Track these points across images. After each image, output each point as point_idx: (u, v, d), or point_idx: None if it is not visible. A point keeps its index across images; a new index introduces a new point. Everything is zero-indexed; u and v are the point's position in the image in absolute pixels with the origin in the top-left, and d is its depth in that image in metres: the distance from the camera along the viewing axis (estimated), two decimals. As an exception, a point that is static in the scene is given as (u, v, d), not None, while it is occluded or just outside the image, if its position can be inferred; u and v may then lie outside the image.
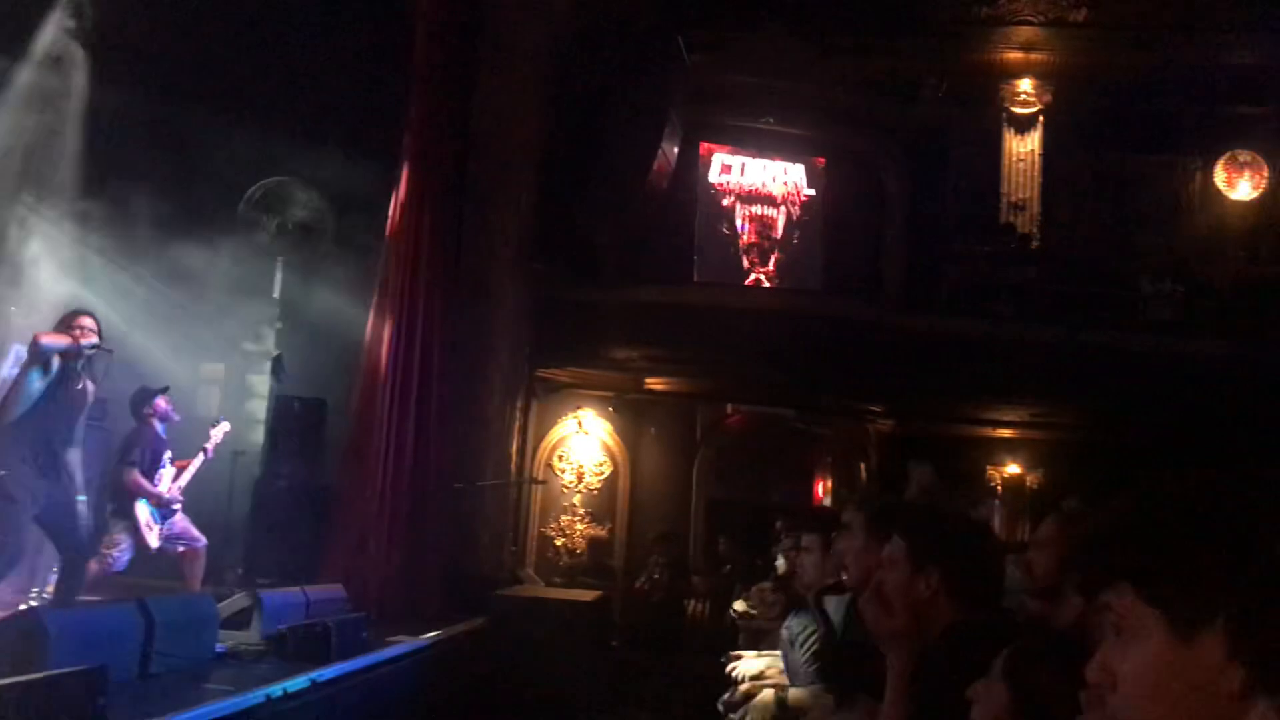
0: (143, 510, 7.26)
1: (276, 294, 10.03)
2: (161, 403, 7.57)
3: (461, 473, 9.35)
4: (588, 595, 8.93)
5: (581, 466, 11.70)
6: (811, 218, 12.31)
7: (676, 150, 10.98)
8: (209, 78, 9.90)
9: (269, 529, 8.66)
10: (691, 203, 12.02)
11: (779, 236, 12.27)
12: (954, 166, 12.91)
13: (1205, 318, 11.80)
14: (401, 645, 6.85)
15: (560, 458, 11.74)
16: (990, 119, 13.36)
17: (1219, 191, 13.64)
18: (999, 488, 12.78)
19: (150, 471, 7.36)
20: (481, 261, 9.87)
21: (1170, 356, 10.98)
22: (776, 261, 12.22)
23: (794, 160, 12.27)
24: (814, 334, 10.98)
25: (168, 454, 7.52)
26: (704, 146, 12.11)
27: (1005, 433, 12.84)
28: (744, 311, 11.23)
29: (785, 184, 12.29)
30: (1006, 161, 13.29)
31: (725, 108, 12.02)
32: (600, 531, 11.58)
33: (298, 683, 5.13)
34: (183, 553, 7.58)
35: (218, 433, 7.81)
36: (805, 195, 12.33)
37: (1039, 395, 11.54)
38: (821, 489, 12.65)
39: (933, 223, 12.32)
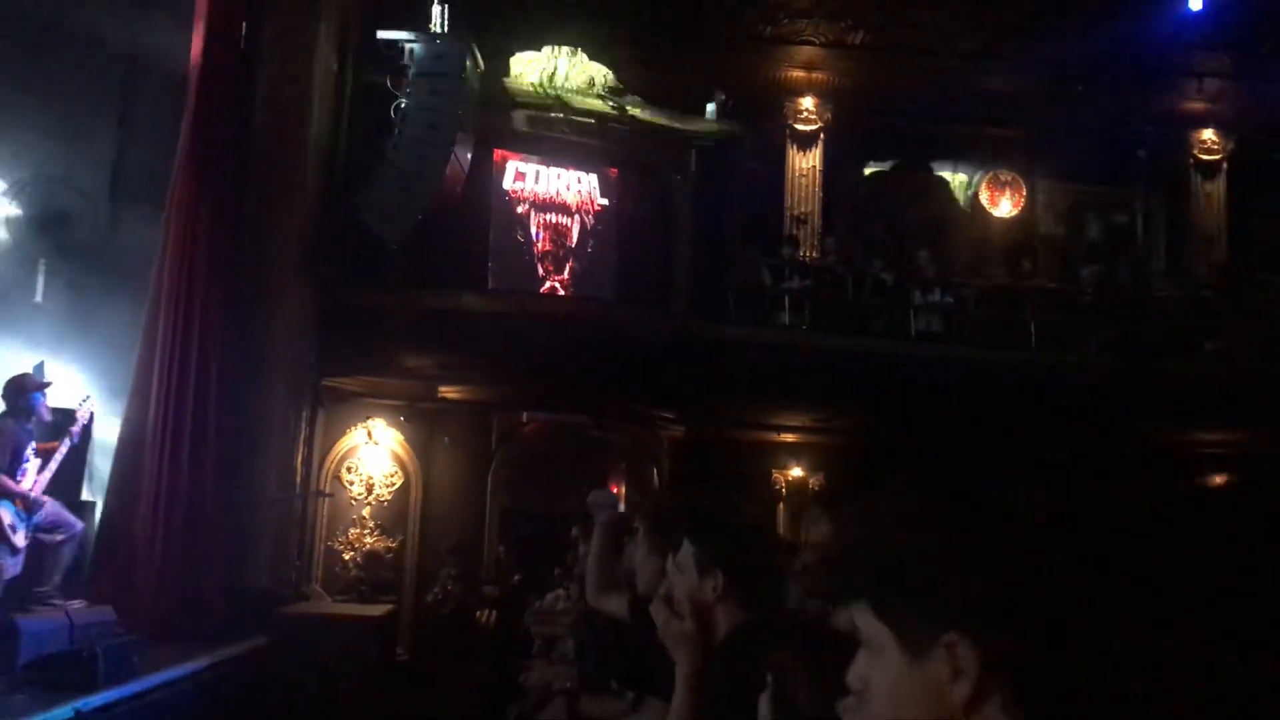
0: (5, 512, 6.78)
1: (39, 298, 9.35)
2: (41, 399, 7.16)
3: (242, 485, 8.98)
4: (376, 610, 8.76)
5: (371, 478, 11.42)
6: (605, 227, 12.42)
7: (469, 155, 10.87)
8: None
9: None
10: (485, 209, 11.93)
11: (573, 245, 12.33)
12: (741, 179, 13.31)
13: (970, 327, 12.60)
14: (176, 669, 6.52)
15: (349, 469, 11.43)
16: (775, 134, 13.86)
17: (983, 208, 14.59)
18: (783, 490, 13.26)
19: (12, 469, 6.89)
20: (263, 264, 9.51)
21: (938, 363, 11.68)
22: (571, 270, 12.26)
23: (587, 170, 12.36)
24: (606, 341, 11.10)
25: (31, 446, 7.06)
26: (498, 153, 12.04)
27: (789, 437, 13.34)
28: (537, 318, 11.22)
29: (579, 193, 12.36)
30: (790, 176, 13.84)
31: (519, 115, 11.99)
32: (390, 544, 11.32)
33: (60, 714, 4.81)
34: (61, 541, 7.13)
35: (83, 413, 7.38)
36: (599, 205, 12.43)
37: (818, 401, 12.06)
38: (617, 494, 12.77)
39: (718, 234, 12.67)
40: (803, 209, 13.74)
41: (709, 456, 12.55)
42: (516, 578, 10.22)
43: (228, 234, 9.01)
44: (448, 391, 11.54)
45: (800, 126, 13.99)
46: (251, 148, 9.46)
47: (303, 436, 10.44)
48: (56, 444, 7.29)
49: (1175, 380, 11.71)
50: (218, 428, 8.71)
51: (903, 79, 13.35)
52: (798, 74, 13.67)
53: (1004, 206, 14.61)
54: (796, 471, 13.28)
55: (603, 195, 12.49)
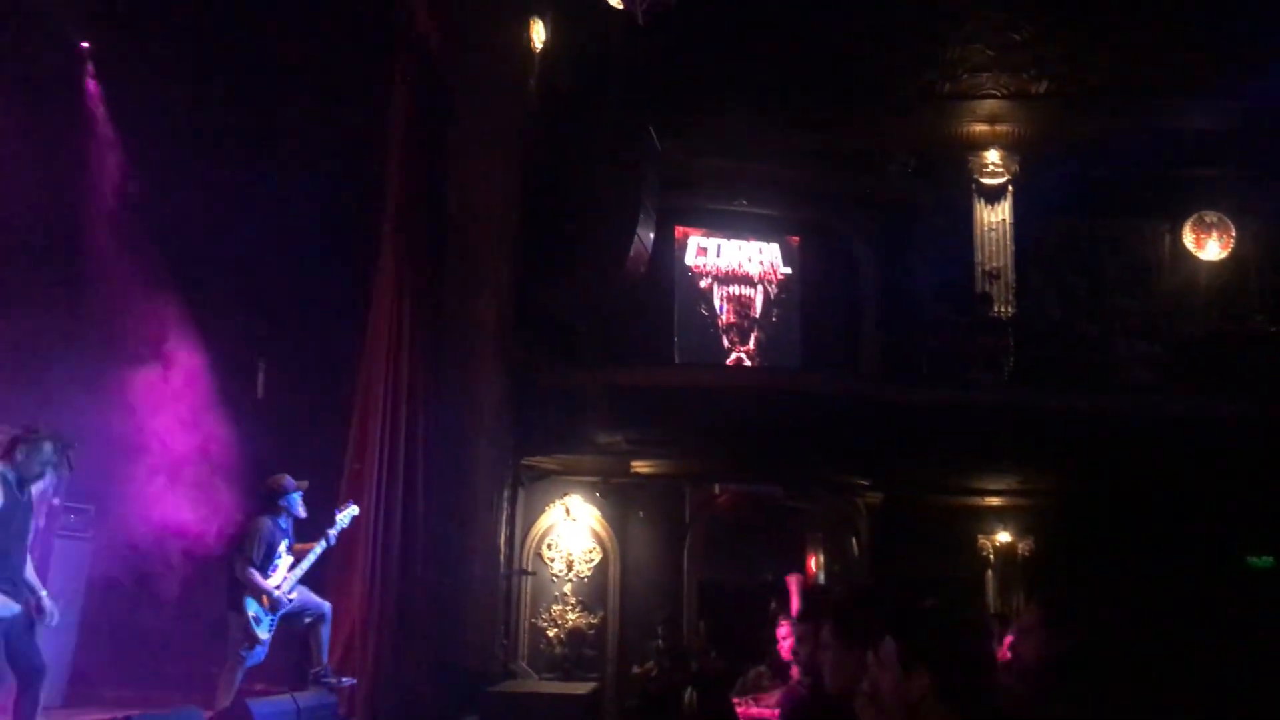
0: (252, 605, 7.13)
1: (260, 395, 10.00)
2: (298, 500, 7.51)
3: (449, 566, 9.27)
4: (582, 688, 8.83)
5: (571, 554, 11.59)
6: (789, 295, 12.43)
7: (652, 235, 11.09)
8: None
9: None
10: (669, 285, 12.12)
11: (757, 315, 12.37)
12: (926, 238, 13.08)
13: (1182, 376, 11.90)
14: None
15: (549, 546, 11.63)
16: (960, 190, 13.57)
17: (1188, 252, 13.84)
18: (990, 556, 12.73)
19: (264, 564, 7.23)
20: (462, 351, 9.89)
21: (1148, 417, 11.06)
22: (756, 340, 12.29)
23: (769, 240, 12.42)
24: (796, 410, 11.00)
25: (284, 544, 7.39)
26: (679, 230, 12.25)
27: (994, 500, 12.83)
28: (726, 391, 11.25)
29: (761, 263, 12.42)
30: (978, 231, 13.47)
31: (698, 191, 12.18)
32: (592, 620, 11.43)
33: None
34: (309, 624, 7.48)
35: (344, 518, 7.68)
36: (782, 274, 12.45)
37: (1022, 462, 11.58)
38: (814, 564, 12.56)
39: (907, 295, 12.45)
40: (994, 264, 13.33)
41: (909, 523, 12.18)
42: (713, 654, 10.12)
43: (428, 326, 9.44)
44: (640, 466, 11.64)
45: (987, 180, 13.64)
46: (447, 241, 9.89)
47: (504, 516, 10.72)
48: (311, 545, 7.58)
49: None
50: (426, 512, 9.07)
51: (1092, 124, 12.88)
52: (980, 128, 13.37)
53: (1211, 249, 13.81)
54: (1004, 536, 12.72)
55: (785, 264, 12.51)
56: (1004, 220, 13.50)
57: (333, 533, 7.63)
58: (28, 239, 9.33)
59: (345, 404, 9.23)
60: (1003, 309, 12.99)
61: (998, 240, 13.46)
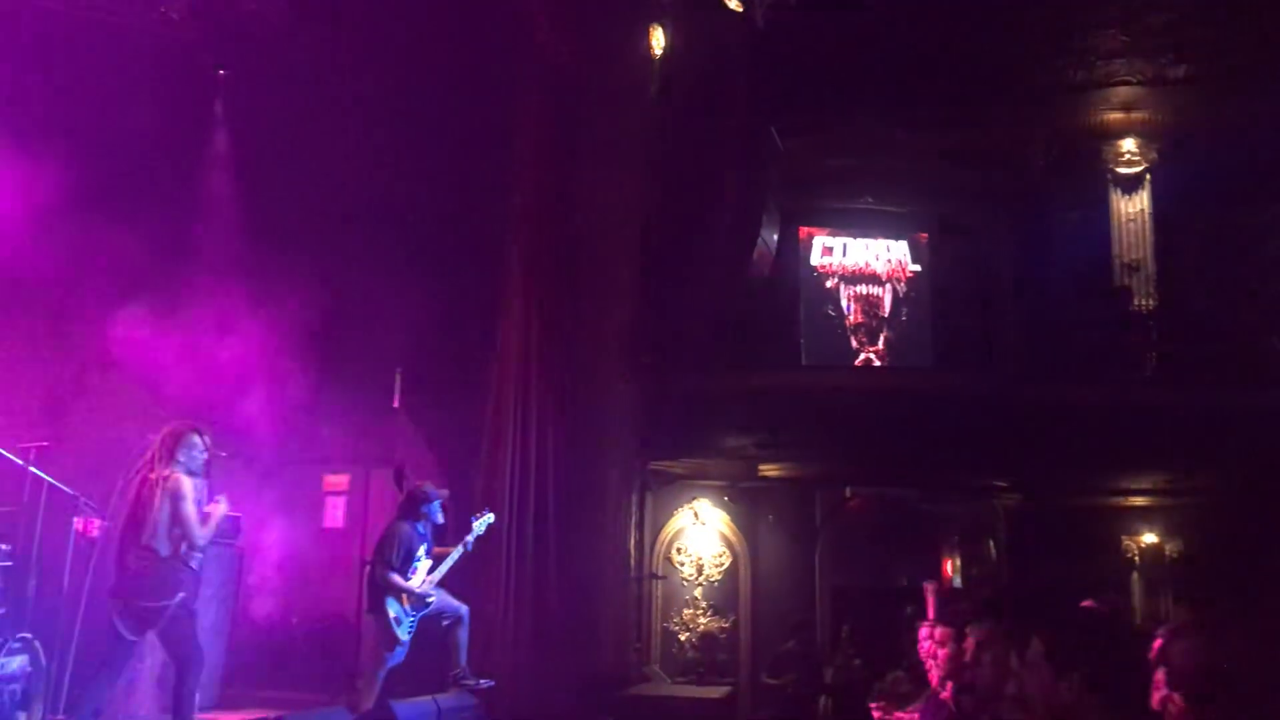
0: (392, 607, 7.31)
1: (397, 404, 10.27)
2: (439, 507, 7.70)
3: (581, 571, 9.36)
4: (716, 692, 8.82)
5: (701, 558, 11.60)
6: (919, 293, 12.20)
7: (776, 237, 11.02)
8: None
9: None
10: (794, 287, 12.03)
11: (886, 314, 12.18)
12: (1061, 231, 12.70)
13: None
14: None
15: (678, 550, 11.66)
16: (1095, 181, 13.13)
17: (1343, 239, 13.12)
18: (1136, 558, 12.28)
19: (403, 568, 7.40)
20: (591, 357, 9.98)
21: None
22: (886, 340, 12.10)
23: (896, 237, 12.22)
24: (928, 411, 10.79)
25: (423, 548, 7.55)
26: (803, 230, 12.15)
27: (1139, 501, 12.37)
28: (855, 393, 11.11)
29: (889, 261, 12.22)
30: (1116, 223, 13.01)
31: (823, 191, 12.06)
32: (724, 624, 11.41)
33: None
34: (447, 626, 7.64)
35: (480, 525, 7.83)
36: (911, 271, 12.24)
37: (1169, 462, 11.12)
38: (950, 568, 12.31)
39: (1043, 291, 12.09)
40: (1133, 256, 12.86)
41: (1049, 525, 11.81)
42: (856, 660, 9.99)
43: (557, 333, 9.57)
44: (769, 470, 11.58)
45: (1123, 170, 13.17)
46: (574, 249, 10.01)
47: (634, 520, 10.79)
48: (450, 549, 7.70)
49: None
50: (557, 517, 9.19)
51: (1234, 108, 12.33)
52: (1116, 116, 12.92)
53: (1369, 234, 13.05)
54: (1150, 537, 12.25)
55: (914, 261, 12.30)
56: (1143, 210, 13.02)
57: (470, 539, 7.77)
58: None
59: (478, 412, 9.41)
60: (1144, 302, 12.51)
61: (1136, 231, 12.98)
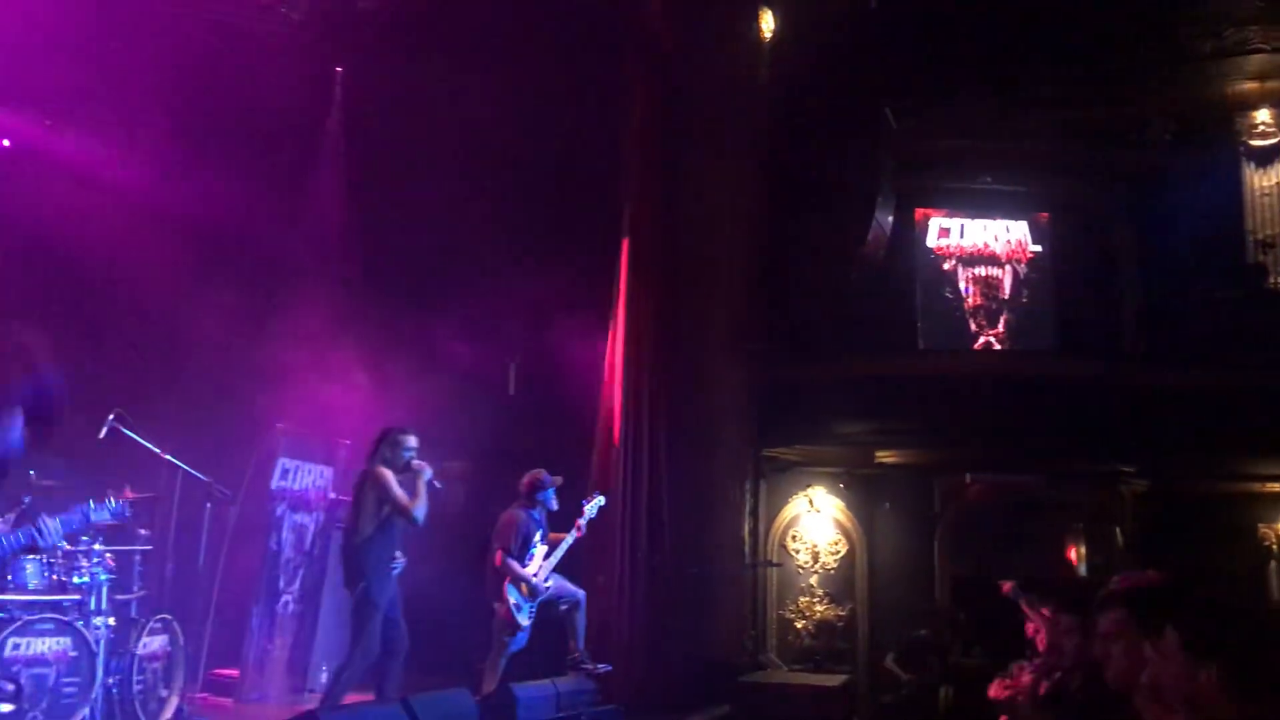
0: (512, 593, 7.49)
1: (512, 393, 10.43)
2: (553, 494, 7.88)
3: (695, 558, 9.38)
4: (833, 679, 8.75)
5: (816, 546, 11.50)
6: (1039, 274, 11.87)
7: (890, 219, 10.85)
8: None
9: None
10: (910, 270, 11.82)
11: (1006, 296, 11.88)
12: (1188, 208, 12.20)
13: None
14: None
15: (794, 538, 11.58)
16: (1226, 154, 12.57)
17: None
18: (1274, 546, 11.75)
19: (521, 554, 7.58)
20: (701, 343, 9.98)
21: None
22: (1005, 322, 11.81)
23: (1016, 217, 11.90)
24: (1051, 395, 10.52)
25: (539, 534, 7.72)
26: (919, 212, 11.91)
27: (1277, 486, 11.83)
28: (974, 376, 10.90)
29: (1008, 242, 11.91)
30: (1248, 198, 12.43)
31: (938, 171, 11.82)
32: (840, 612, 11.31)
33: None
34: (565, 611, 7.83)
35: (591, 508, 7.97)
36: (1031, 252, 11.91)
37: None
38: (1075, 556, 11.96)
39: (1170, 270, 11.65)
40: (1267, 232, 12.27)
41: (1179, 512, 11.39)
42: (977, 648, 9.79)
43: (667, 319, 9.58)
44: (885, 456, 11.41)
45: (1256, 142, 12.57)
46: (682, 239, 10.00)
47: (748, 508, 10.76)
48: (564, 535, 7.84)
49: None
50: (671, 504, 9.22)
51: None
52: (1248, 86, 12.33)
53: None
54: (1289, 525, 11.72)
55: (1035, 241, 11.97)
56: (1278, 184, 12.42)
57: (582, 523, 7.88)
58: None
59: (590, 399, 9.49)
60: (1279, 280, 11.95)
61: (1271, 206, 12.38)
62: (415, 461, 6.76)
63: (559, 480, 7.95)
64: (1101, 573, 11.25)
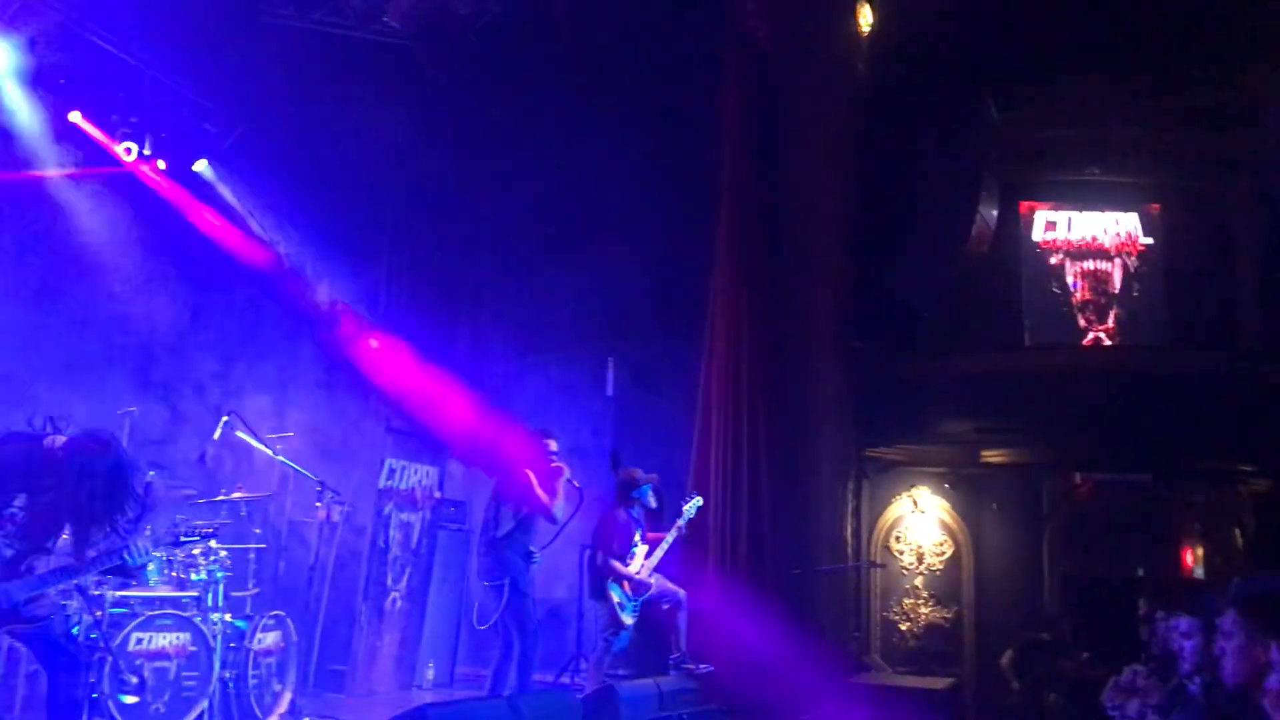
0: (614, 593, 7.55)
1: (610, 392, 10.47)
2: (649, 491, 7.95)
3: (796, 557, 9.29)
4: (940, 682, 8.59)
5: (921, 547, 11.33)
6: (1151, 268, 11.50)
7: (995, 212, 10.62)
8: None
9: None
10: (1015, 265, 11.56)
11: (1116, 290, 11.54)
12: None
13: None
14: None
15: (898, 538, 11.43)
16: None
17: None
18: None
19: (622, 554, 7.65)
20: (800, 342, 9.88)
21: None
22: (1115, 317, 11.47)
23: (1126, 209, 11.54)
24: (1164, 392, 10.20)
25: (638, 533, 7.79)
26: (1024, 205, 11.63)
27: None
28: (1083, 373, 10.63)
29: (1118, 235, 11.56)
30: (1379, 184, 11.86)
31: (1043, 163, 11.53)
32: (946, 614, 11.11)
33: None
34: (668, 610, 7.88)
35: (690, 508, 8.02)
36: (1142, 245, 11.54)
37: None
38: (1190, 558, 11.57)
39: (1289, 260, 11.18)
40: (1396, 218, 11.69)
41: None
42: (1085, 655, 9.54)
43: (766, 317, 9.51)
44: (991, 455, 11.19)
45: (1388, 126, 11.98)
46: (782, 235, 9.92)
47: (850, 508, 10.63)
48: (663, 534, 7.87)
49: None
50: (771, 503, 9.14)
51: None
52: (1373, 66, 11.76)
53: None
54: None
55: (1146, 234, 11.61)
56: (1405, 167, 11.81)
57: (682, 523, 7.88)
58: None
59: (689, 398, 9.48)
60: None
61: (1399, 190, 11.79)
62: (556, 463, 7.06)
63: (654, 478, 7.98)
64: (1221, 575, 10.86)
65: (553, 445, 7.17)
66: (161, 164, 8.67)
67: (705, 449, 9.17)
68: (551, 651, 8.60)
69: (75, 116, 8.15)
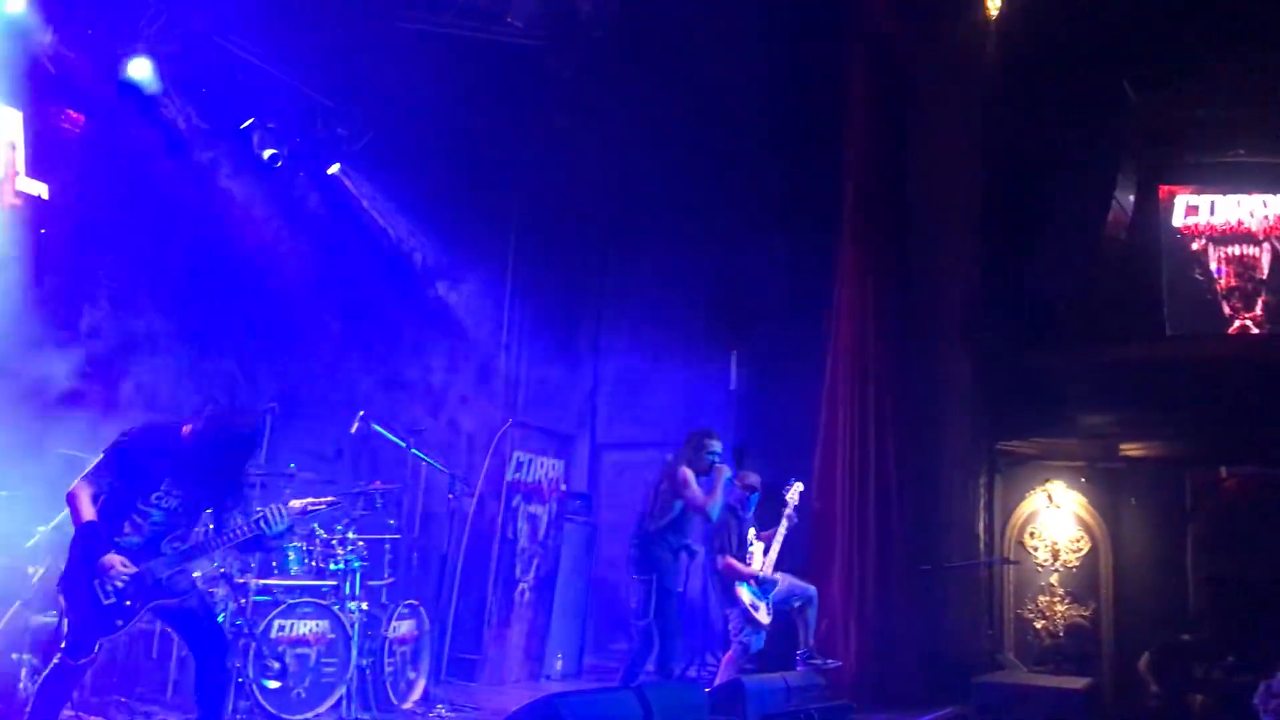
0: (745, 593, 7.55)
1: (733, 386, 10.46)
2: (756, 497, 7.95)
3: (925, 552, 9.15)
4: (1078, 683, 8.33)
5: (1056, 543, 10.99)
6: (1302, 252, 10.96)
7: (1132, 198, 10.26)
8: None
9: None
10: (1154, 251, 11.13)
11: (1264, 277, 11.00)
12: None
13: None
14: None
15: (1031, 534, 11.10)
16: None
17: None
18: None
19: (740, 554, 7.66)
20: (928, 332, 9.72)
21: None
22: (1264, 304, 10.95)
23: (1275, 191, 11.00)
24: (1321, 382, 9.70)
25: (751, 531, 7.81)
26: (1163, 189, 11.18)
27: None
28: (1229, 363, 10.19)
29: (1266, 218, 11.03)
30: None
31: (1184, 145, 11.05)
32: (1084, 612, 10.77)
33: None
34: (799, 607, 7.90)
35: (793, 495, 7.99)
36: (1294, 227, 11.01)
37: None
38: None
39: None
40: None
41: None
42: (1231, 657, 9.14)
43: (893, 312, 9.38)
44: (1129, 449, 10.80)
45: None
46: (909, 224, 9.77)
47: (981, 503, 10.40)
48: (774, 530, 7.80)
49: None
50: (899, 498, 9.02)
51: None
52: None
53: None
54: None
55: (1297, 217, 11.06)
56: None
57: (788, 510, 7.81)
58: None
59: (813, 390, 9.40)
60: None
61: None
62: (718, 465, 7.08)
63: (757, 480, 7.94)
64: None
65: (715, 445, 7.15)
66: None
67: (831, 443, 9.10)
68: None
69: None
